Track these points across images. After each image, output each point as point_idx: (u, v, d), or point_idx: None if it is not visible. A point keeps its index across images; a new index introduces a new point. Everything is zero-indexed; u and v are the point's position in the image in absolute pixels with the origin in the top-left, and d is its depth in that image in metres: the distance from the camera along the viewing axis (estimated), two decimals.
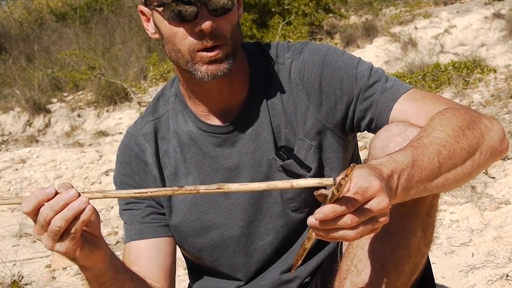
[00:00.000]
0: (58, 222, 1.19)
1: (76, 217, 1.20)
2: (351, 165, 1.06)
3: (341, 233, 1.11)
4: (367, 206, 1.10)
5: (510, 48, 6.41)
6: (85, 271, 1.39)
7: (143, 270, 1.59)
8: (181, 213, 1.63)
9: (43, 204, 1.20)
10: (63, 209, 1.19)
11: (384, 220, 1.13)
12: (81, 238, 1.25)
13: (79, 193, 1.20)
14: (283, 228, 1.63)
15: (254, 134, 1.59)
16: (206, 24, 1.41)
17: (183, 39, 1.45)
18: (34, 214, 1.21)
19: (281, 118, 1.59)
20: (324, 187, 1.12)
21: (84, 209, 1.19)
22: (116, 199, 1.71)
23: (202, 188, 1.14)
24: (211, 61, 1.45)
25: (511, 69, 5.87)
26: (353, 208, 1.09)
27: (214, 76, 1.46)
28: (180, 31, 1.44)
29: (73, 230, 1.21)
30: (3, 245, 4.08)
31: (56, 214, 1.19)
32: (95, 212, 1.27)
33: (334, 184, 1.07)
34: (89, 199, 1.20)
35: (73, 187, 1.22)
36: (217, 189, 1.13)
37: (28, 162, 5.79)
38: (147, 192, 1.18)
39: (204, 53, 1.45)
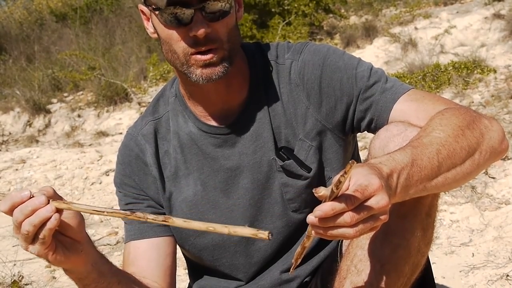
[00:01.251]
0: (26, 226, 1.22)
1: (44, 223, 1.22)
2: (350, 162, 1.06)
3: (340, 231, 1.11)
4: (367, 204, 1.10)
5: (510, 49, 6.41)
6: (66, 272, 1.42)
7: (143, 270, 1.59)
8: (182, 213, 1.63)
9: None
10: (32, 214, 1.22)
11: (384, 218, 1.13)
12: (55, 242, 1.27)
13: (48, 200, 1.22)
14: (283, 229, 1.63)
15: (254, 135, 1.59)
16: (200, 31, 1.41)
17: (178, 41, 1.45)
18: (11, 214, 1.25)
19: (281, 118, 1.59)
20: (314, 185, 1.12)
21: (50, 217, 1.21)
22: (117, 199, 1.72)
23: (150, 217, 1.20)
24: (206, 65, 1.45)
25: (511, 69, 5.87)
26: (352, 206, 1.09)
27: (209, 79, 1.46)
28: (175, 34, 1.45)
29: (41, 235, 1.23)
30: (4, 245, 4.08)
31: (26, 218, 1.22)
32: (77, 217, 1.30)
33: (269, 239, 1.09)
34: (56, 208, 1.22)
35: (51, 192, 1.25)
36: (162, 221, 1.20)
37: (28, 162, 5.79)
38: (103, 212, 1.23)
39: (198, 56, 1.45)
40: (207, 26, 1.42)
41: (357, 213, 1.09)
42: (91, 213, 1.25)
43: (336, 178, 1.08)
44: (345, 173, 1.06)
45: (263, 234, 1.09)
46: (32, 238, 1.24)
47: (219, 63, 1.46)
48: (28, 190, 1.24)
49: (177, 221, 1.19)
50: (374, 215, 1.12)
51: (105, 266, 1.45)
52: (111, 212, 1.24)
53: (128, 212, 1.23)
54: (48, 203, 1.22)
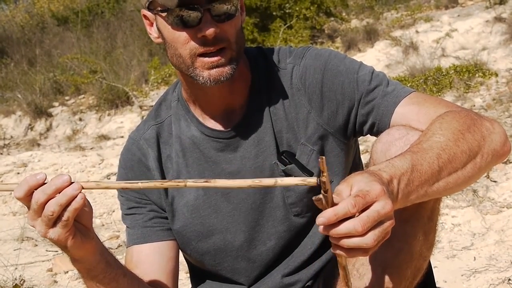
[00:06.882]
0: (51, 207, 1.21)
1: (69, 204, 1.22)
2: (319, 157, 1.07)
3: (356, 241, 1.09)
4: (373, 209, 1.10)
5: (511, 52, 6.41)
6: (76, 263, 1.40)
7: (145, 273, 1.59)
8: (184, 218, 1.63)
9: (33, 191, 1.22)
10: (55, 194, 1.21)
11: (390, 223, 1.13)
12: (74, 227, 1.27)
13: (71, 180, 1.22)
14: (285, 233, 1.62)
15: (256, 139, 1.59)
16: (210, 31, 1.41)
17: (184, 43, 1.45)
18: (27, 199, 1.24)
19: (283, 123, 1.59)
20: (316, 190, 1.11)
21: (76, 196, 1.21)
22: (119, 202, 1.72)
23: (190, 181, 1.18)
24: (214, 66, 1.45)
25: None
26: (354, 209, 1.08)
27: (217, 81, 1.46)
28: (183, 35, 1.45)
29: (65, 217, 1.23)
30: (5, 248, 4.08)
31: (49, 199, 1.21)
32: (87, 203, 1.28)
33: (318, 184, 1.08)
34: (82, 188, 1.22)
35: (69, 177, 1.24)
36: (204, 182, 1.17)
37: (30, 166, 5.80)
38: (137, 183, 1.22)
39: (206, 59, 1.45)
40: (216, 26, 1.42)
41: (366, 220, 1.08)
42: (123, 188, 1.22)
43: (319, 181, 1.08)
44: (322, 171, 1.06)
45: (312, 180, 1.09)
46: (54, 221, 1.23)
47: (227, 64, 1.45)
48: (42, 173, 1.23)
49: (220, 182, 1.17)
50: (381, 221, 1.11)
51: (111, 257, 1.46)
52: (147, 183, 1.22)
53: (165, 180, 1.22)
54: (72, 182, 1.21)
